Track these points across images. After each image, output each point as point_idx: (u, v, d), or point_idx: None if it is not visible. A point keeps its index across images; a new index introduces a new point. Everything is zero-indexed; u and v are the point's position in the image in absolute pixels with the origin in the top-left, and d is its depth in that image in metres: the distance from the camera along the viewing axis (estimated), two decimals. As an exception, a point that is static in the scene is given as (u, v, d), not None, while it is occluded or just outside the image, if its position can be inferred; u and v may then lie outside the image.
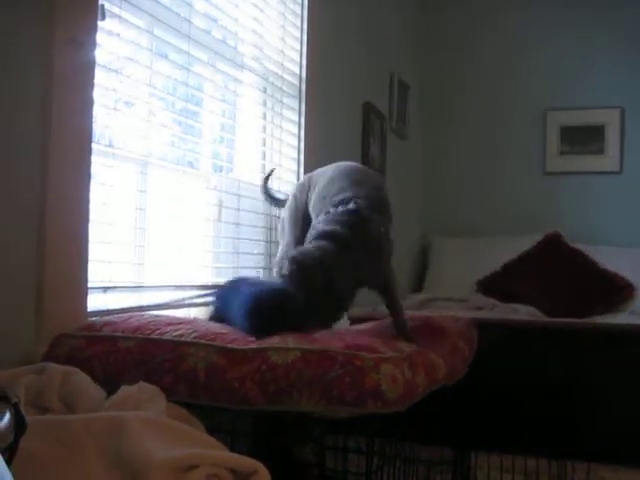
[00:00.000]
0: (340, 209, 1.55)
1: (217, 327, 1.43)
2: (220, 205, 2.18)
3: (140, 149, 1.85)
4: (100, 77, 1.60)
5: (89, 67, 1.54)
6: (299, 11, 2.62)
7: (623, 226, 4.04)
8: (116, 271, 1.75)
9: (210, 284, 2.08)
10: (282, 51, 2.52)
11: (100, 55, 1.60)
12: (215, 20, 2.17)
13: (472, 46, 4.40)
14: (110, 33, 1.65)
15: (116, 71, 1.71)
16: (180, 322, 1.45)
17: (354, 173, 1.75)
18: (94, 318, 1.52)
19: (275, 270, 1.92)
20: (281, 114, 2.54)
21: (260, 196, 2.24)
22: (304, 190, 1.88)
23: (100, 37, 1.58)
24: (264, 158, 2.47)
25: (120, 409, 1.10)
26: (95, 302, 1.60)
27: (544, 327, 2.61)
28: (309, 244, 1.52)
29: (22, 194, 1.40)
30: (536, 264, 3.84)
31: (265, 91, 2.46)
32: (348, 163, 1.84)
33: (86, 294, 1.54)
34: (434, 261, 4.22)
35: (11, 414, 0.80)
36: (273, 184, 2.38)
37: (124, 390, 1.18)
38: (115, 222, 1.75)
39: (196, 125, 2.14)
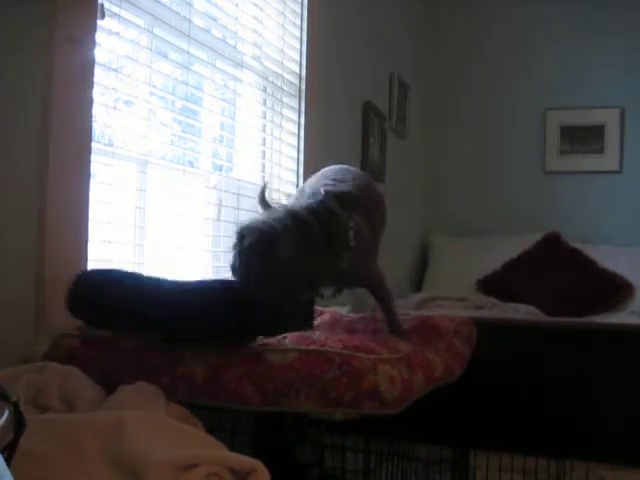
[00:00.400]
0: (304, 204, 1.49)
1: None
2: (219, 204, 2.19)
3: (140, 148, 1.85)
4: (100, 76, 1.60)
5: (89, 66, 1.54)
6: (299, 10, 2.62)
7: (623, 225, 4.05)
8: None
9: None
10: (282, 50, 2.52)
11: (100, 54, 1.60)
12: (215, 19, 2.17)
13: (472, 46, 4.40)
14: (110, 32, 1.65)
15: (116, 70, 1.71)
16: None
17: (334, 173, 1.73)
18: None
19: None
20: (281, 113, 2.54)
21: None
22: (300, 197, 1.86)
23: (100, 36, 1.58)
24: (264, 157, 2.47)
25: (119, 409, 1.10)
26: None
27: (544, 326, 2.61)
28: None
29: (21, 193, 1.40)
30: (536, 263, 3.84)
31: (265, 90, 2.46)
32: (335, 165, 1.81)
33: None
34: (434, 260, 4.22)
35: (10, 413, 0.80)
36: (273, 184, 2.38)
37: (123, 390, 1.18)
38: (115, 221, 1.75)
39: (196, 124, 2.14)
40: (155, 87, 1.89)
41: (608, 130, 4.15)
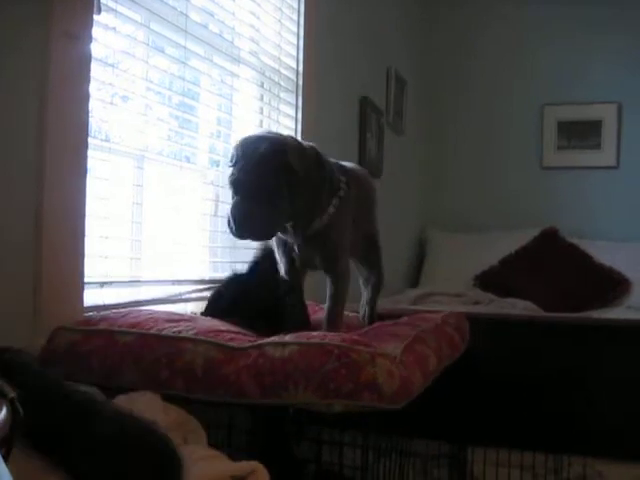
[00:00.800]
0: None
1: (217, 325, 1.44)
2: (217, 200, 2.18)
3: (137, 143, 1.85)
4: (96, 71, 1.59)
5: (85, 61, 1.54)
6: (296, 5, 2.61)
7: (620, 221, 4.05)
8: (113, 266, 1.75)
9: (207, 279, 2.08)
10: (279, 45, 2.51)
11: (96, 49, 1.59)
12: (212, 14, 2.17)
13: (470, 42, 4.40)
14: (106, 27, 1.65)
15: (112, 65, 1.70)
16: (179, 319, 1.45)
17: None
18: (91, 313, 1.52)
19: None
20: (278, 109, 2.54)
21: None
22: None
23: (96, 31, 1.58)
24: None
25: None
26: (92, 297, 1.60)
27: (541, 322, 2.61)
28: None
29: (18, 189, 1.40)
30: (533, 259, 3.85)
31: (262, 86, 2.46)
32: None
33: (83, 289, 1.54)
34: (431, 256, 4.23)
35: (7, 409, 0.80)
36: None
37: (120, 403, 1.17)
38: (112, 217, 1.74)
39: (193, 119, 2.14)
40: (152, 82, 1.88)
41: (605, 125, 4.15)
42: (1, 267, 1.35)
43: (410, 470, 1.98)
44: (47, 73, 1.43)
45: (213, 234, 2.20)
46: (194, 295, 1.98)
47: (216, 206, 2.18)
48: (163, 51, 1.95)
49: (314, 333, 1.33)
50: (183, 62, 1.97)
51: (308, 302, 1.82)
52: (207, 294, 2.01)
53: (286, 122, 2.57)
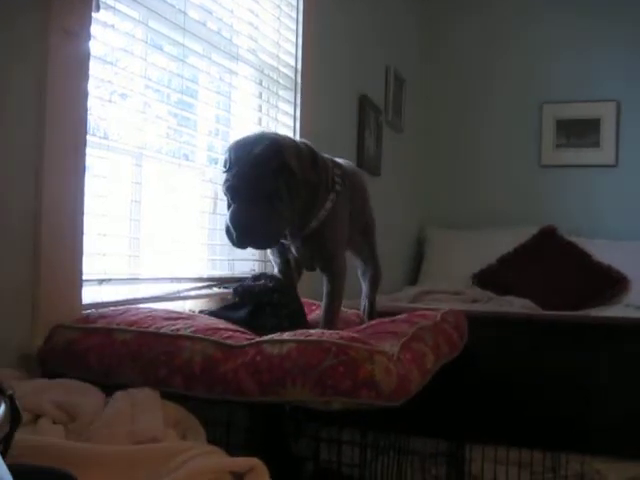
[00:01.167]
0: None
1: (215, 323, 1.44)
2: (215, 197, 2.18)
3: (135, 141, 1.85)
4: (95, 69, 1.59)
5: (84, 58, 1.54)
6: (295, 3, 2.61)
7: (618, 219, 4.05)
8: (111, 263, 1.75)
9: (205, 276, 2.08)
10: (278, 43, 2.51)
11: (95, 47, 1.59)
12: (210, 12, 2.17)
13: (468, 40, 4.39)
14: (105, 25, 1.65)
15: (111, 63, 1.70)
16: (177, 317, 1.45)
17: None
18: (89, 311, 1.52)
19: None
20: (276, 106, 2.54)
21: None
22: None
23: (95, 29, 1.58)
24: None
25: (115, 425, 1.10)
26: (90, 294, 1.60)
27: (539, 320, 2.62)
28: None
29: (17, 187, 1.39)
30: (532, 257, 3.85)
31: (261, 83, 2.46)
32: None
33: (81, 286, 1.54)
34: (430, 254, 4.23)
35: (7, 406, 0.80)
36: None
37: (118, 401, 1.17)
38: (110, 214, 1.74)
39: (191, 117, 2.14)
40: (150, 80, 1.88)
41: (604, 123, 4.15)
42: (1, 265, 1.35)
43: (408, 468, 1.98)
44: (45, 70, 1.43)
45: (211, 232, 2.21)
46: (192, 293, 1.98)
47: (215, 204, 2.18)
48: (161, 49, 1.95)
49: (312, 331, 1.33)
50: (181, 60, 1.97)
51: (305, 300, 1.83)
52: (205, 292, 2.02)
53: (285, 120, 2.57)
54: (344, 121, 3.16)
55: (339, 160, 1.81)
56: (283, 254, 1.72)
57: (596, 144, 4.17)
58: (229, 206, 1.52)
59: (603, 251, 3.79)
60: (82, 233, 1.54)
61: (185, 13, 1.96)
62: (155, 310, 1.53)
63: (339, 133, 3.05)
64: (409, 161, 4.24)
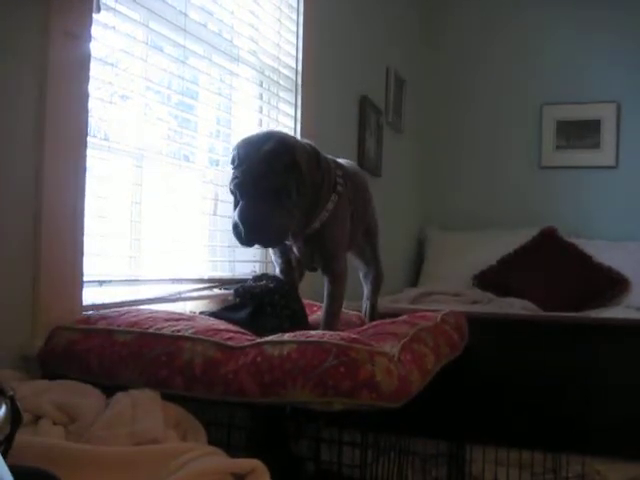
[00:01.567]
0: None
1: (216, 324, 1.44)
2: (216, 199, 2.18)
3: (136, 142, 1.85)
4: (96, 70, 1.59)
5: (85, 60, 1.54)
6: (295, 4, 2.61)
7: (618, 220, 4.05)
8: (112, 265, 1.75)
9: (206, 278, 2.08)
10: (278, 44, 2.51)
11: (95, 48, 1.59)
12: (211, 13, 2.17)
13: (469, 41, 4.40)
14: (105, 26, 1.65)
15: (112, 64, 1.70)
16: (178, 318, 1.45)
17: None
18: (90, 312, 1.52)
19: None
20: (277, 107, 2.54)
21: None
22: None
23: (95, 30, 1.58)
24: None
25: (115, 426, 1.10)
26: (90, 296, 1.60)
27: (540, 321, 2.62)
28: None
29: (17, 188, 1.40)
30: (532, 258, 3.85)
31: (261, 84, 2.46)
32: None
33: (81, 288, 1.54)
34: (430, 255, 4.23)
35: (7, 407, 0.80)
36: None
37: (118, 402, 1.17)
38: (111, 215, 1.75)
39: (192, 118, 2.14)
40: (151, 81, 1.88)
41: (604, 125, 4.15)
42: (0, 266, 1.35)
43: (409, 469, 1.98)
44: (46, 72, 1.43)
45: (212, 233, 2.21)
46: (193, 294, 1.98)
47: (215, 205, 2.18)
48: (162, 50, 1.95)
49: (312, 332, 1.33)
50: (182, 61, 1.97)
51: (306, 301, 1.83)
52: (206, 293, 2.02)
53: (285, 121, 2.58)
54: (345, 122, 3.16)
55: (341, 160, 1.81)
56: (285, 255, 1.72)
57: (596, 145, 4.17)
58: (236, 204, 1.50)
59: (603, 252, 3.79)
60: (82, 234, 1.54)
61: (186, 14, 1.96)
62: (156, 311, 1.53)
63: (340, 134, 3.05)
64: (409, 162, 4.24)
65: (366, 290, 2.00)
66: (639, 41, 4.06)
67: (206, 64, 2.13)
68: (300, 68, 2.62)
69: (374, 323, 1.75)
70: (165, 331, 1.34)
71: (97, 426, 1.11)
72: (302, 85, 2.62)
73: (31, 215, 1.41)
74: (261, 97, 2.47)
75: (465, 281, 3.84)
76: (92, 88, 1.57)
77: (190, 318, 1.48)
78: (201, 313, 1.68)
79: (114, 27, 1.69)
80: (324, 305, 1.67)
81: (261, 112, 2.47)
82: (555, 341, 2.36)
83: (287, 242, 1.65)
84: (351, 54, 3.18)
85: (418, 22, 4.35)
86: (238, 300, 1.64)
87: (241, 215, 1.45)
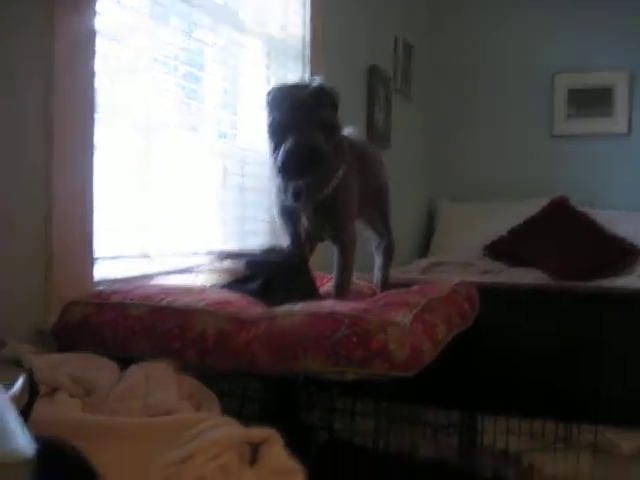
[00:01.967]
0: None
1: (227, 296, 1.44)
2: (225, 171, 2.18)
3: (143, 116, 1.84)
4: (101, 45, 1.58)
5: (90, 35, 1.53)
6: (302, -26, 2.58)
7: (630, 189, 4.02)
8: (122, 239, 1.75)
9: (216, 251, 2.08)
10: (285, 14, 2.49)
11: (101, 23, 1.58)
12: (217, -16, 2.15)
13: (479, 8, 4.34)
14: (110, 0, 1.63)
15: (117, 39, 1.69)
16: (189, 291, 1.46)
17: None
18: (101, 287, 1.53)
19: None
20: (285, 78, 2.52)
21: (264, 162, 2.25)
22: None
23: (100, 5, 1.56)
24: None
25: (130, 398, 1.11)
26: (102, 271, 1.60)
27: (551, 291, 2.61)
28: None
29: (28, 165, 1.39)
30: (543, 228, 3.83)
31: (268, 55, 2.44)
32: None
33: (93, 263, 1.55)
34: (440, 226, 4.22)
35: (25, 378, 0.82)
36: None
37: (132, 374, 1.18)
38: (120, 190, 1.74)
39: (199, 91, 2.12)
40: (157, 54, 1.87)
41: (617, 93, 4.10)
42: (13, 244, 1.36)
43: (420, 438, 1.99)
44: (52, 48, 1.42)
45: (222, 205, 2.20)
46: (204, 267, 1.98)
47: (224, 177, 2.18)
48: (168, 22, 1.93)
49: (324, 303, 1.34)
50: (188, 33, 1.96)
51: (316, 273, 1.83)
52: (217, 266, 2.02)
53: (293, 93, 2.55)
54: (353, 92, 3.14)
55: (347, 129, 1.80)
56: (295, 227, 1.72)
57: (609, 113, 4.13)
58: (274, 148, 1.50)
59: (615, 222, 3.76)
60: (92, 209, 1.54)
61: (191, -15, 1.94)
62: (167, 285, 1.54)
63: (348, 104, 3.02)
64: (419, 132, 4.21)
65: (378, 261, 2.00)
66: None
67: (212, 36, 2.11)
68: (308, 38, 2.60)
69: (385, 293, 1.75)
70: (177, 304, 1.34)
71: (112, 398, 1.12)
72: (310, 55, 2.60)
73: (42, 193, 1.42)
74: (268, 68, 2.45)
75: (475, 252, 3.83)
76: (99, 62, 1.56)
77: (201, 291, 1.49)
78: (212, 286, 1.69)
79: (119, 1, 1.68)
80: (334, 275, 1.67)
81: (268, 83, 2.45)
82: (566, 311, 2.35)
83: (297, 208, 1.63)
84: (359, 23, 3.14)
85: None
86: (249, 272, 1.64)
87: (293, 144, 1.45)
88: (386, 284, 1.98)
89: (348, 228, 1.68)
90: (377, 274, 2.00)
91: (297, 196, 1.52)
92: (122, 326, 1.34)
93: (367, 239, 2.00)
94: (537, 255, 3.64)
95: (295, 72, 2.56)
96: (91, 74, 1.53)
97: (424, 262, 3.51)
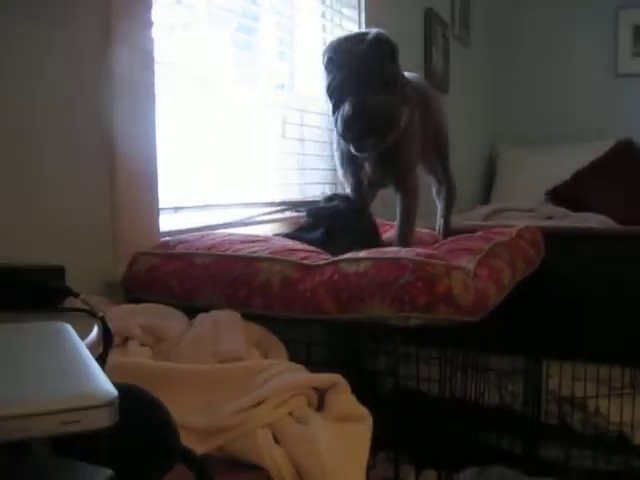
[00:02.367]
0: None
1: (291, 244, 1.45)
2: (283, 122, 2.17)
3: (200, 69, 1.84)
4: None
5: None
6: None
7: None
8: (185, 191, 1.77)
9: (277, 201, 2.09)
10: (339, -41, 2.44)
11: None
12: None
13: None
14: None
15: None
16: (254, 240, 1.47)
17: None
18: (167, 238, 1.56)
19: None
20: (341, 25, 2.48)
21: (323, 111, 2.23)
22: None
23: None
24: (326, 70, 2.43)
25: (199, 345, 1.13)
26: (166, 222, 1.63)
27: (617, 235, 2.55)
28: None
29: (91, 124, 1.41)
30: (607, 172, 3.73)
31: (324, 2, 2.40)
32: None
33: (158, 215, 1.57)
34: (502, 171, 4.14)
35: (99, 327, 0.84)
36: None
37: (201, 323, 1.20)
38: (181, 143, 1.76)
39: (255, 42, 2.11)
40: (212, 6, 1.85)
41: (686, 26, 3.92)
42: (80, 197, 1.39)
43: (485, 385, 1.99)
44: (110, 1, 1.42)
45: (282, 156, 2.21)
46: (265, 217, 2.00)
47: (283, 128, 2.18)
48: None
49: (388, 249, 1.33)
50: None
51: (378, 220, 1.82)
52: (278, 216, 2.04)
53: (349, 39, 2.52)
54: (410, 37, 3.07)
55: (409, 74, 1.77)
56: (356, 174, 1.71)
57: (677, 49, 3.96)
58: (335, 108, 1.47)
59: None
60: (156, 162, 1.56)
61: None
62: (231, 234, 1.55)
63: (405, 50, 2.93)
64: (478, 76, 4.11)
65: (439, 207, 1.99)
66: None
67: (267, -16, 2.09)
68: (362, -17, 2.55)
69: (448, 239, 1.73)
70: (242, 253, 1.36)
71: (182, 346, 1.15)
72: (365, 1, 2.55)
73: (106, 146, 1.44)
74: (324, 15, 2.41)
75: (538, 197, 3.76)
76: (155, 16, 1.56)
77: (265, 240, 1.50)
78: (275, 235, 1.70)
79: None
80: (397, 221, 1.66)
81: (324, 31, 2.42)
82: (634, 255, 2.30)
83: (359, 156, 1.62)
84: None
85: None
86: (311, 221, 1.65)
87: (355, 109, 1.41)
88: (448, 231, 1.97)
89: (411, 174, 1.67)
90: (439, 221, 1.99)
91: (360, 149, 1.50)
92: (189, 275, 1.36)
93: (428, 185, 1.98)
94: (602, 199, 3.55)
95: (350, 19, 2.52)
96: (148, 25, 1.53)
97: (486, 209, 3.46)
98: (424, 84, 1.87)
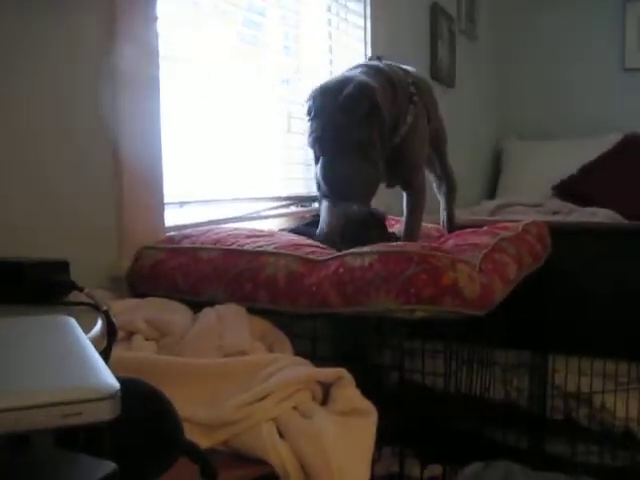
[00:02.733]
0: None
1: (296, 239, 1.45)
2: (289, 116, 2.17)
3: (205, 64, 1.84)
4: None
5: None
6: None
7: None
8: (190, 186, 1.77)
9: (283, 196, 2.09)
10: (345, -47, 2.43)
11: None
12: None
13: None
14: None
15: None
16: (259, 235, 1.47)
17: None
18: (172, 233, 1.56)
19: None
20: (346, 19, 2.48)
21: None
22: None
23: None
24: (331, 64, 2.42)
25: (204, 339, 1.13)
26: (171, 217, 1.63)
27: (624, 229, 2.54)
28: None
29: (97, 119, 1.41)
30: (615, 166, 3.71)
31: (329, -4, 2.40)
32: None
33: (163, 209, 1.57)
34: (508, 166, 4.13)
35: (103, 321, 0.84)
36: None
37: (206, 317, 1.20)
38: (186, 137, 1.76)
39: (260, 36, 2.11)
40: (217, 0, 1.85)
41: (694, 20, 3.90)
42: (85, 193, 1.39)
43: (491, 379, 1.99)
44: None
45: (287, 151, 2.20)
46: (271, 212, 2.00)
47: (289, 122, 2.17)
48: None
49: (393, 243, 1.33)
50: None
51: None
52: (284, 211, 2.03)
53: (355, 33, 2.51)
54: (416, 31, 3.06)
55: (406, 67, 1.75)
56: None
57: (685, 43, 3.94)
58: (317, 159, 1.42)
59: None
60: (161, 157, 1.56)
61: None
62: (236, 229, 1.55)
63: (411, 44, 2.96)
64: (484, 70, 4.10)
65: (442, 201, 1.98)
66: None
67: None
68: (368, -23, 2.54)
69: (454, 234, 1.73)
70: (247, 247, 1.36)
71: (186, 340, 1.15)
72: (370, -5, 2.55)
73: (111, 141, 1.43)
74: (329, 9, 2.40)
75: (544, 192, 3.74)
76: (159, 9, 1.55)
77: (271, 234, 1.50)
78: (280, 230, 1.70)
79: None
80: (405, 218, 1.65)
81: (330, 25, 2.41)
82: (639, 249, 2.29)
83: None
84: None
85: None
86: (315, 217, 1.64)
87: (324, 174, 1.36)
88: (452, 224, 1.96)
89: (419, 172, 1.66)
90: (442, 215, 1.98)
91: (335, 201, 1.49)
92: (194, 270, 1.36)
93: (429, 181, 1.98)
94: (609, 194, 3.53)
95: (356, 13, 2.51)
96: (153, 18, 1.53)
97: (492, 204, 3.45)
98: (422, 78, 1.84)
